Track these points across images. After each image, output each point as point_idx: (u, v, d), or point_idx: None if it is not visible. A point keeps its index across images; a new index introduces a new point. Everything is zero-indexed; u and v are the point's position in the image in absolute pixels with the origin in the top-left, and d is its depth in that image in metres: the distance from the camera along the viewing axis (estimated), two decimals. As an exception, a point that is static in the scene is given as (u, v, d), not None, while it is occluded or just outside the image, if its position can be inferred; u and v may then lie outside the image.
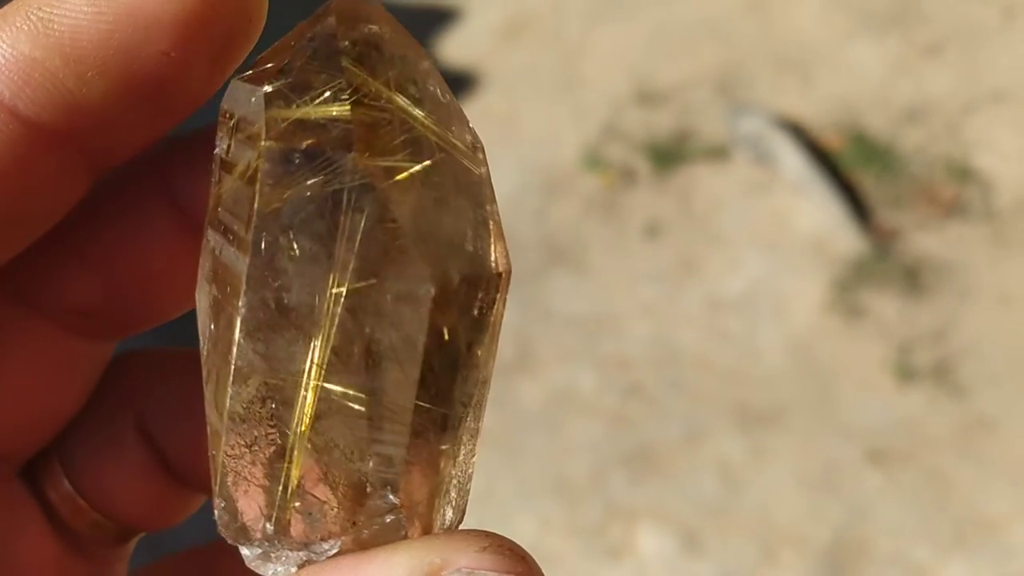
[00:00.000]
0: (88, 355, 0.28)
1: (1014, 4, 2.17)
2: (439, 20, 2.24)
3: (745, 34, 2.18)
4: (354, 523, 0.23)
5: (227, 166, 0.23)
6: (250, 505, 0.23)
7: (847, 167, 1.97)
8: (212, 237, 0.23)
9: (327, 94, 0.22)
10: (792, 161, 1.94)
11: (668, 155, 2.00)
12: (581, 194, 1.94)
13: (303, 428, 0.22)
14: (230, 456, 0.23)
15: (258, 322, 0.21)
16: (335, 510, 0.23)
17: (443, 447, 0.23)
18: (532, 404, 1.67)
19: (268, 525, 0.23)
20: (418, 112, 0.23)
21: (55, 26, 0.22)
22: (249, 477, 0.23)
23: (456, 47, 2.19)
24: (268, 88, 0.22)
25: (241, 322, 0.21)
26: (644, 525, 1.55)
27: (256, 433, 0.22)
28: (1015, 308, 1.77)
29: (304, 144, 0.21)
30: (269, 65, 0.23)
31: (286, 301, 0.21)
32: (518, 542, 0.23)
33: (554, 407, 1.67)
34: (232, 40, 0.24)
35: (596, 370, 1.71)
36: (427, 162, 0.22)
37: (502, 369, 1.65)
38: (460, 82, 2.10)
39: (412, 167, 0.22)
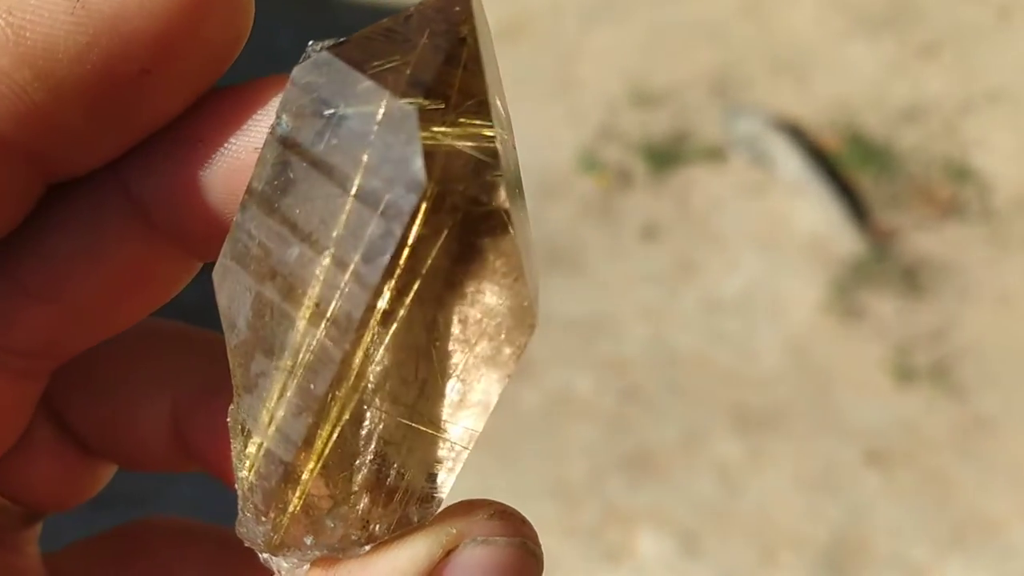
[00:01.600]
0: (32, 392, 0.26)
1: (1010, 4, 2.17)
2: (435, 23, 2.24)
3: (741, 35, 2.18)
4: (370, 529, 0.23)
5: (305, 155, 0.21)
6: (270, 509, 0.23)
7: (844, 167, 1.97)
8: (255, 217, 0.21)
9: (461, 113, 0.20)
10: (789, 162, 1.94)
11: (665, 156, 1.99)
12: (577, 196, 1.94)
13: (332, 436, 0.22)
14: (263, 475, 0.22)
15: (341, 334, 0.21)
16: (355, 517, 0.23)
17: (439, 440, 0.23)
18: (529, 407, 1.66)
19: (309, 535, 0.23)
20: (503, 113, 0.22)
21: (28, 35, 0.21)
22: (282, 493, 0.23)
23: (452, 49, 2.19)
24: (405, 102, 0.20)
25: (329, 335, 0.21)
26: (643, 528, 1.55)
27: (290, 446, 0.22)
28: (1013, 308, 1.77)
29: (451, 170, 0.20)
30: (391, 60, 0.21)
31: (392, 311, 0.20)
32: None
33: (551, 410, 1.66)
34: (214, 59, 0.23)
35: (593, 372, 1.71)
36: (520, 176, 0.22)
37: (499, 372, 1.64)
38: (456, 84, 2.10)
39: (517, 188, 0.22)
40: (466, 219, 0.20)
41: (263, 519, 0.23)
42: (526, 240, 0.22)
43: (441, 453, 0.23)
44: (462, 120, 0.20)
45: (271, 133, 0.21)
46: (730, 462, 1.61)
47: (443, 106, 0.20)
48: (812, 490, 1.58)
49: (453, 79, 0.20)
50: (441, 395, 0.22)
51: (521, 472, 1.59)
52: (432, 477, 0.23)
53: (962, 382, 1.68)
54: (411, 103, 0.20)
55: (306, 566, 0.24)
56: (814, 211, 1.90)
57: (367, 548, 0.23)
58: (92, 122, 0.22)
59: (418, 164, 0.19)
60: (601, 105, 2.06)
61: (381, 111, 0.20)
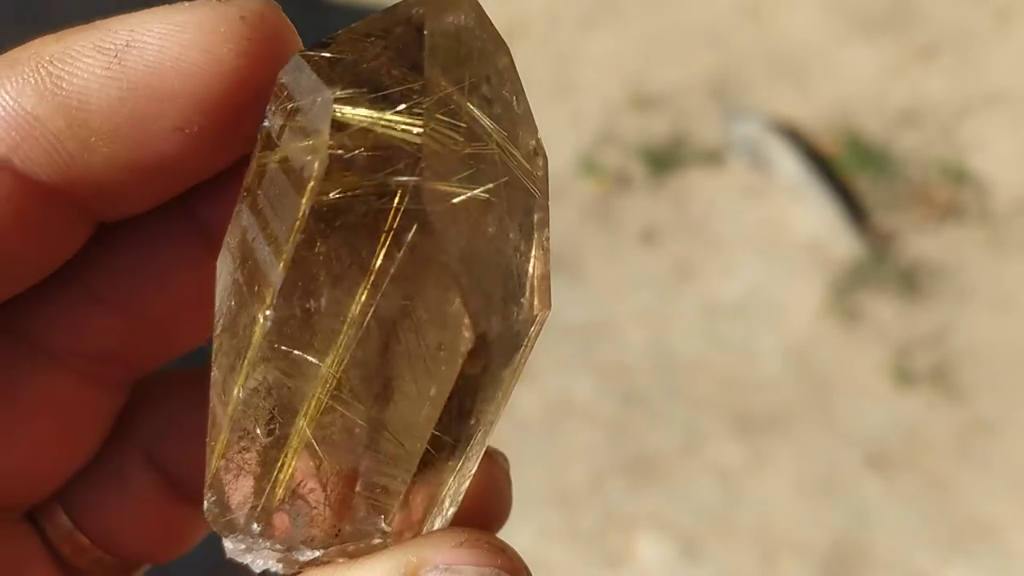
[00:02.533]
0: (104, 403, 0.27)
1: (1008, 7, 2.17)
2: (433, 27, 2.24)
3: (740, 39, 2.18)
4: (338, 534, 0.23)
5: (271, 145, 0.21)
6: (239, 493, 0.23)
7: (843, 171, 1.97)
8: (246, 215, 0.22)
9: (400, 106, 0.20)
10: (788, 165, 1.94)
11: (663, 160, 1.99)
12: (576, 200, 1.94)
13: (306, 431, 0.22)
14: (229, 443, 0.23)
15: (281, 325, 0.21)
16: (323, 518, 0.23)
17: (448, 464, 0.23)
18: (530, 412, 1.66)
19: (254, 521, 0.23)
20: (487, 121, 0.22)
21: (64, 85, 0.21)
22: (243, 465, 0.23)
23: (450, 54, 2.19)
24: (338, 93, 0.20)
25: (265, 325, 0.21)
26: (643, 532, 1.55)
27: (258, 423, 0.22)
28: (1013, 310, 1.76)
29: (364, 156, 0.20)
30: (344, 53, 0.21)
31: (312, 308, 0.21)
32: (516, 550, 0.23)
33: (551, 415, 1.66)
34: (246, 119, 0.22)
35: (593, 377, 1.71)
36: (489, 185, 0.21)
37: (499, 376, 1.64)
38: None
39: (471, 191, 0.21)
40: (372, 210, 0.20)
41: (229, 507, 0.23)
42: (484, 251, 0.21)
43: (401, 466, 0.22)
44: (392, 115, 0.20)
45: (259, 132, 0.22)
46: (730, 466, 1.61)
47: (377, 98, 0.20)
48: (813, 494, 1.58)
49: (404, 76, 0.21)
50: (402, 401, 0.22)
51: (521, 477, 1.58)
52: (389, 491, 0.23)
53: (962, 385, 1.68)
54: (344, 93, 0.20)
55: (271, 563, 0.24)
56: (813, 214, 1.90)
57: (330, 551, 0.23)
58: (126, 174, 0.22)
59: (323, 135, 0.20)
60: (600, 109, 2.06)
61: (318, 99, 0.21)
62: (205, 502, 0.24)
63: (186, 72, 0.21)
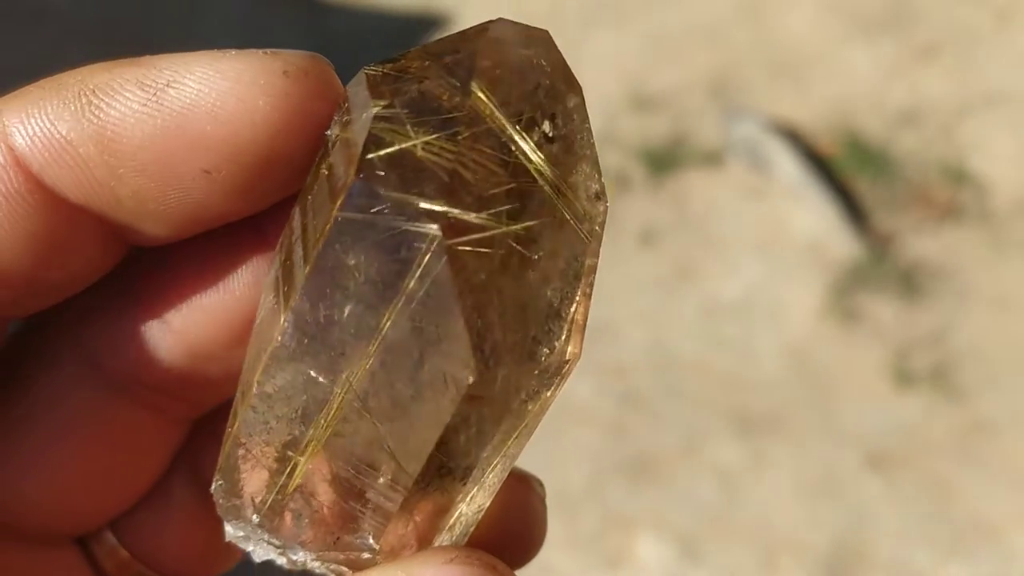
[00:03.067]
0: (167, 436, 0.27)
1: (1007, 7, 2.17)
2: (430, 27, 2.24)
3: (739, 39, 2.18)
4: (336, 542, 0.23)
5: (327, 153, 0.22)
6: (251, 483, 0.24)
7: (842, 171, 1.97)
8: (296, 216, 0.23)
9: (442, 131, 0.21)
10: (787, 166, 1.94)
11: (663, 161, 1.99)
12: (576, 200, 1.94)
13: (322, 436, 0.22)
14: (249, 434, 0.23)
15: (300, 328, 0.21)
16: (323, 523, 0.23)
17: (455, 489, 0.23)
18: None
19: (258, 513, 0.24)
20: (538, 157, 0.22)
21: (101, 115, 0.22)
22: (260, 457, 0.23)
23: (449, 54, 2.19)
24: (379, 110, 0.21)
25: (284, 325, 0.21)
26: (643, 533, 1.54)
27: (280, 421, 0.23)
28: (1012, 310, 1.76)
29: (395, 175, 0.20)
30: (404, 72, 0.22)
31: (332, 317, 0.21)
32: (509, 568, 0.23)
33: (550, 415, 1.65)
34: (278, 169, 0.23)
35: (593, 377, 1.70)
36: (528, 223, 0.21)
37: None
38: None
39: (503, 228, 0.21)
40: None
41: (239, 494, 0.24)
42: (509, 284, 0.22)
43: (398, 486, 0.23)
44: (431, 138, 0.21)
45: (325, 139, 0.23)
46: (730, 467, 1.61)
47: (421, 120, 0.21)
48: (812, 495, 1.58)
49: (454, 101, 0.21)
50: (403, 423, 0.22)
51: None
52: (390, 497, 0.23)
53: (962, 385, 1.68)
54: (387, 112, 0.21)
55: (271, 555, 0.24)
56: (812, 215, 1.89)
57: (324, 555, 0.24)
58: (152, 207, 0.23)
59: (358, 148, 0.21)
60: (599, 109, 2.06)
61: (363, 115, 0.21)
62: (214, 484, 0.24)
63: (219, 119, 0.22)
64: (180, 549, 0.29)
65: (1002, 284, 1.80)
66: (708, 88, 2.09)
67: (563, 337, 0.23)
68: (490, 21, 0.23)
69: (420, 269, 0.20)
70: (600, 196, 0.23)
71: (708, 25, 2.20)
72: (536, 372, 0.22)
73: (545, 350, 0.22)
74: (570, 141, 0.23)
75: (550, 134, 0.22)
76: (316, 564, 0.24)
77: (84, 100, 0.22)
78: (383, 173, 0.20)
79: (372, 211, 0.20)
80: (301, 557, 0.24)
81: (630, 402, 1.68)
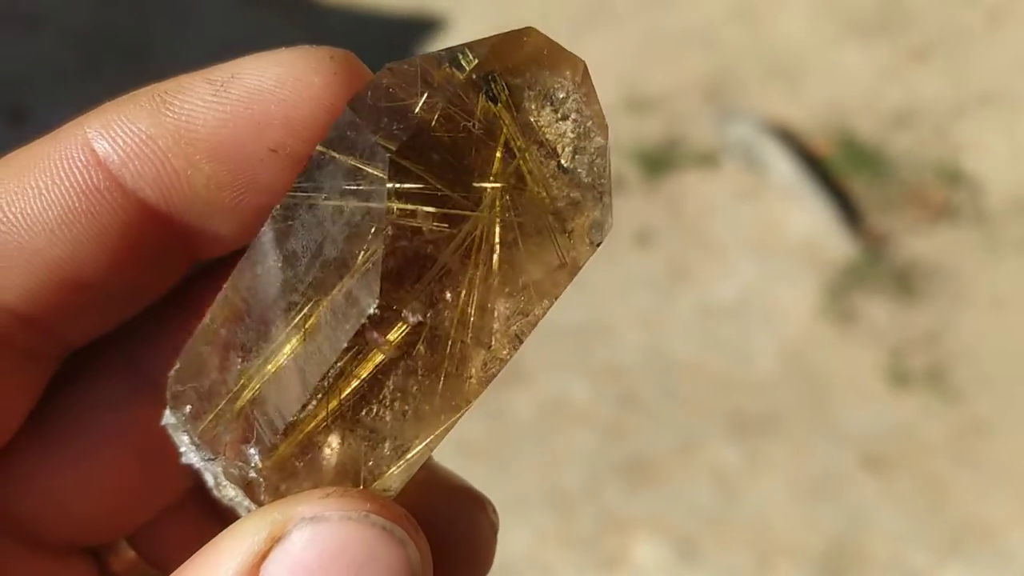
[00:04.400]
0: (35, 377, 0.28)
1: (999, 8, 2.17)
2: (425, 29, 2.24)
3: (734, 41, 2.18)
4: (235, 455, 0.24)
5: (323, 161, 0.23)
6: (201, 381, 0.25)
7: (837, 172, 1.97)
8: (288, 200, 0.24)
9: (410, 183, 0.22)
10: (782, 167, 1.94)
11: (658, 162, 1.99)
12: (571, 203, 1.94)
13: (264, 374, 0.24)
14: (225, 340, 0.25)
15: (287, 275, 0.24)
16: (235, 438, 0.24)
17: (371, 459, 0.24)
18: (524, 414, 1.66)
19: (193, 409, 0.25)
20: (540, 182, 0.23)
21: (175, 109, 0.24)
22: (214, 363, 0.25)
23: (443, 57, 2.19)
24: (352, 162, 0.22)
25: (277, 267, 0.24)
26: (639, 535, 1.54)
27: (242, 343, 0.24)
28: (1007, 310, 1.77)
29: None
30: (400, 89, 0.23)
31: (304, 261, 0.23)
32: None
33: (547, 417, 1.66)
34: None
35: (589, 379, 1.70)
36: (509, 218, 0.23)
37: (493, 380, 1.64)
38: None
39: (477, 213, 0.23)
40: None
41: (190, 386, 0.25)
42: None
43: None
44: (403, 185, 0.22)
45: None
46: (727, 468, 1.61)
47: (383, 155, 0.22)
48: (809, 496, 1.58)
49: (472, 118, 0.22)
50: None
51: (517, 480, 1.58)
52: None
53: (957, 385, 1.68)
54: (381, 144, 0.22)
55: (191, 456, 0.25)
56: (807, 216, 1.90)
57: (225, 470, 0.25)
58: (224, 193, 0.25)
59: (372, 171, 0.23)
60: (593, 111, 2.06)
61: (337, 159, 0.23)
62: (172, 370, 0.26)
63: (281, 98, 0.24)
64: (189, 551, 0.29)
65: (997, 284, 1.80)
66: (703, 90, 2.10)
67: (496, 338, 0.24)
68: (521, 34, 0.24)
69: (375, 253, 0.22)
70: (592, 241, 0.24)
71: (702, 27, 2.20)
72: (478, 359, 0.24)
73: (484, 351, 0.24)
74: (579, 178, 0.24)
75: (566, 165, 0.24)
76: (220, 476, 0.25)
77: (158, 100, 0.24)
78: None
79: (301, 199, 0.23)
80: (211, 465, 0.25)
81: (626, 403, 1.68)
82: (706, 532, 1.54)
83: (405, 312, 0.22)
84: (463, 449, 1.53)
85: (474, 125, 0.23)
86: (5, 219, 0.24)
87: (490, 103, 0.23)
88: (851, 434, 1.64)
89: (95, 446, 0.27)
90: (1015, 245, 1.85)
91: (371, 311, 0.22)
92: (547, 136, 0.23)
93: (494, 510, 0.29)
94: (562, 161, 0.23)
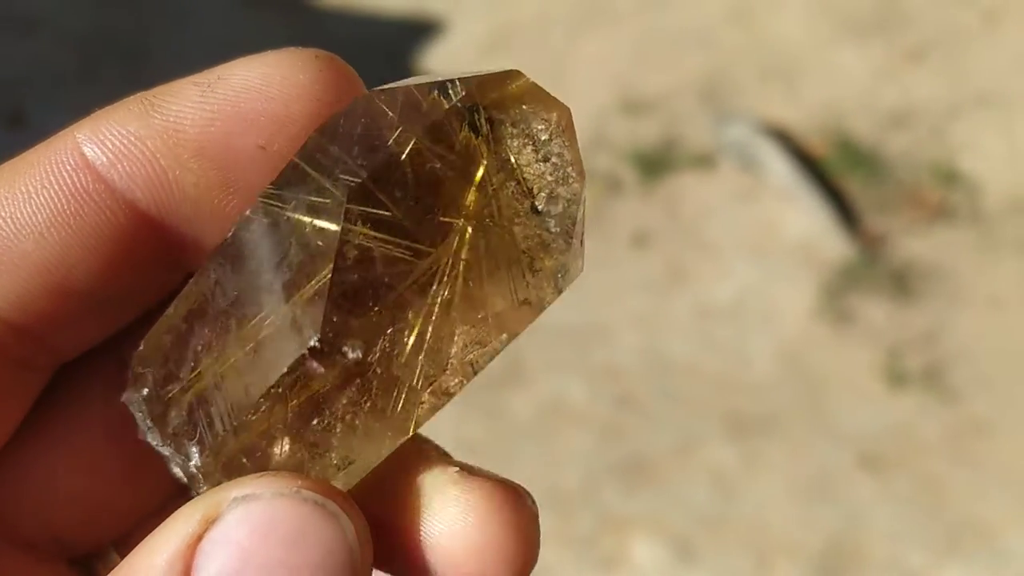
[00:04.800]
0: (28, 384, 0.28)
1: (995, 8, 2.18)
2: (423, 32, 2.24)
3: (729, 42, 2.18)
4: (179, 447, 0.25)
5: (289, 179, 0.24)
6: (160, 366, 0.25)
7: (833, 173, 1.97)
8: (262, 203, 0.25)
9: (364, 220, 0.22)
10: (778, 168, 1.94)
11: (654, 164, 1.99)
12: (568, 204, 1.94)
13: (217, 370, 0.24)
14: (172, 331, 0.25)
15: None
16: (183, 429, 0.25)
17: (283, 448, 0.24)
18: (522, 415, 1.66)
19: (150, 392, 0.25)
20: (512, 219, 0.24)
21: (162, 110, 0.24)
22: (170, 358, 0.25)
23: (441, 59, 2.19)
24: (312, 198, 0.23)
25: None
26: (637, 535, 1.54)
27: (199, 339, 0.24)
28: (1004, 310, 1.77)
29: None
30: (414, 107, 0.23)
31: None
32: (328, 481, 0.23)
33: (545, 418, 1.66)
34: None
35: (586, 380, 1.71)
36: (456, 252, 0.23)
37: (492, 381, 1.64)
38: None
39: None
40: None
41: (148, 366, 0.26)
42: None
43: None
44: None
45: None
46: (724, 468, 1.61)
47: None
48: (806, 496, 1.58)
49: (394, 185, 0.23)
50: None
51: (515, 480, 1.58)
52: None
53: (954, 385, 1.68)
54: (317, 201, 0.23)
55: (146, 432, 0.26)
56: (804, 217, 1.90)
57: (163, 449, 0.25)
58: (213, 193, 0.25)
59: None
60: (590, 114, 2.06)
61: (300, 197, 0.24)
62: (136, 350, 0.26)
63: (268, 95, 0.24)
64: None
65: (994, 284, 1.80)
66: (699, 91, 2.10)
67: (448, 368, 0.24)
68: (511, 73, 0.24)
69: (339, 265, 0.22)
70: (557, 286, 0.25)
71: (698, 28, 2.21)
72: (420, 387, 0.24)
73: (434, 378, 0.24)
74: (544, 226, 0.24)
75: (540, 207, 0.24)
76: (167, 455, 0.25)
77: (147, 104, 0.24)
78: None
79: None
80: (161, 448, 0.25)
81: (624, 404, 1.68)
82: (704, 532, 1.54)
83: (346, 348, 0.22)
84: (461, 449, 1.53)
85: (452, 157, 0.23)
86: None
87: (471, 134, 0.23)
88: (849, 434, 1.64)
89: (84, 451, 0.27)
90: (1012, 245, 1.85)
91: (312, 343, 0.22)
92: (525, 175, 0.24)
93: (533, 500, 0.29)
94: (536, 203, 0.24)
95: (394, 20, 2.25)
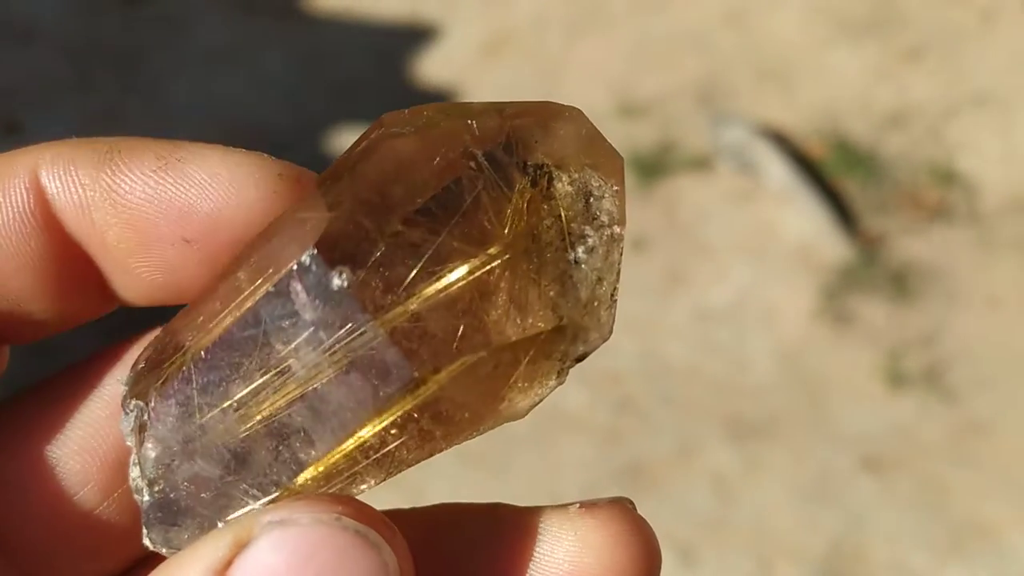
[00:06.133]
0: None
1: (992, 7, 2.18)
2: (419, 37, 2.24)
3: (726, 44, 2.18)
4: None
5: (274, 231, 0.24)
6: (152, 383, 0.25)
7: (831, 174, 1.97)
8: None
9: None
10: (776, 170, 1.94)
11: (652, 167, 1.99)
12: (566, 208, 1.93)
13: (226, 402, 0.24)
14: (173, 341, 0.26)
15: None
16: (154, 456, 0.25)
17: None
18: (521, 422, 1.65)
19: (140, 402, 0.25)
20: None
21: (115, 168, 0.25)
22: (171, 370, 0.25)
23: (436, 64, 2.19)
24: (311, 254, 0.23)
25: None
26: (639, 540, 1.54)
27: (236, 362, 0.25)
28: (1003, 310, 1.77)
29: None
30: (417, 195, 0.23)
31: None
32: (368, 504, 0.23)
33: (544, 424, 1.66)
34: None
35: (585, 385, 1.70)
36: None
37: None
38: (440, 99, 2.09)
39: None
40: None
41: (146, 380, 0.26)
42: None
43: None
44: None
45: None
46: (725, 472, 1.61)
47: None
48: (808, 499, 1.58)
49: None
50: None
51: (514, 487, 1.58)
52: None
53: (954, 386, 1.68)
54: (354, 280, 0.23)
55: (126, 431, 0.26)
56: (802, 218, 1.90)
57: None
58: (133, 261, 0.26)
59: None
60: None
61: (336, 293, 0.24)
62: (139, 359, 0.26)
63: (210, 196, 0.25)
64: None
65: (993, 284, 1.80)
66: (695, 94, 2.10)
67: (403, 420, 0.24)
68: (568, 109, 0.24)
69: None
70: (561, 371, 0.25)
71: (694, 31, 2.21)
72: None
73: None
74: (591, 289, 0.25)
75: (582, 256, 0.25)
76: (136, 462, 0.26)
77: (107, 155, 0.25)
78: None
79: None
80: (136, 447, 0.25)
81: (623, 409, 1.68)
82: (705, 537, 1.54)
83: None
84: (461, 457, 1.53)
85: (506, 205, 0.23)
86: None
87: (529, 185, 0.23)
88: (849, 436, 1.64)
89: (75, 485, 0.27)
90: (1010, 244, 1.85)
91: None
92: (570, 229, 0.24)
93: (633, 505, 0.29)
94: (581, 252, 0.24)
95: (388, 25, 2.24)
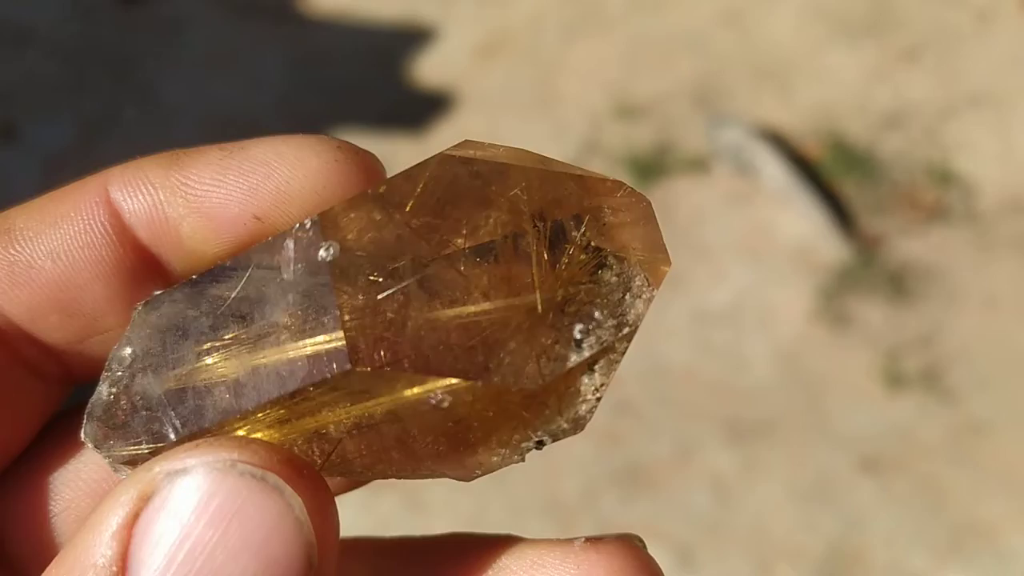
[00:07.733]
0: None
1: (988, 8, 2.18)
2: (415, 39, 2.24)
3: (722, 45, 2.18)
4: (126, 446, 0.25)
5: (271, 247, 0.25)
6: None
7: (828, 175, 1.97)
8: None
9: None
10: (773, 171, 1.94)
11: (649, 168, 1.99)
12: (563, 210, 1.93)
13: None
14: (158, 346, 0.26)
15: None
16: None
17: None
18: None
19: (111, 388, 0.26)
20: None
21: (182, 166, 0.27)
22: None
23: (433, 66, 2.18)
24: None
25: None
26: (637, 543, 1.54)
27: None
28: (1002, 310, 1.77)
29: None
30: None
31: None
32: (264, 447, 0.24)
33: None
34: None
35: (584, 387, 1.70)
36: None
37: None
38: (437, 102, 2.09)
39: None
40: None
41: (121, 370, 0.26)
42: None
43: None
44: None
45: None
46: (723, 474, 1.61)
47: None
48: (807, 500, 1.57)
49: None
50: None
51: (514, 489, 1.58)
52: None
53: (953, 386, 1.68)
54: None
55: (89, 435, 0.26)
56: (799, 219, 1.89)
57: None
58: (207, 246, 0.27)
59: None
60: (584, 119, 2.06)
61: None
62: (119, 349, 0.27)
63: (275, 171, 0.26)
64: None
65: (991, 284, 1.80)
66: (692, 95, 2.10)
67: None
68: (643, 205, 0.25)
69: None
70: (576, 424, 0.26)
71: (691, 32, 2.20)
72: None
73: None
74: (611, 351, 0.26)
75: (598, 345, 0.26)
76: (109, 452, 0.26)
77: (173, 158, 0.27)
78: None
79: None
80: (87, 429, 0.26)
81: (621, 411, 1.68)
82: (704, 538, 1.54)
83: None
84: (459, 459, 1.53)
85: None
86: (24, 244, 0.26)
87: (580, 258, 0.24)
88: (848, 437, 1.64)
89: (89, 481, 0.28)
90: (1008, 244, 1.85)
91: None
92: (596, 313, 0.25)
93: (643, 543, 0.30)
94: (594, 339, 0.25)
95: (386, 27, 2.24)
